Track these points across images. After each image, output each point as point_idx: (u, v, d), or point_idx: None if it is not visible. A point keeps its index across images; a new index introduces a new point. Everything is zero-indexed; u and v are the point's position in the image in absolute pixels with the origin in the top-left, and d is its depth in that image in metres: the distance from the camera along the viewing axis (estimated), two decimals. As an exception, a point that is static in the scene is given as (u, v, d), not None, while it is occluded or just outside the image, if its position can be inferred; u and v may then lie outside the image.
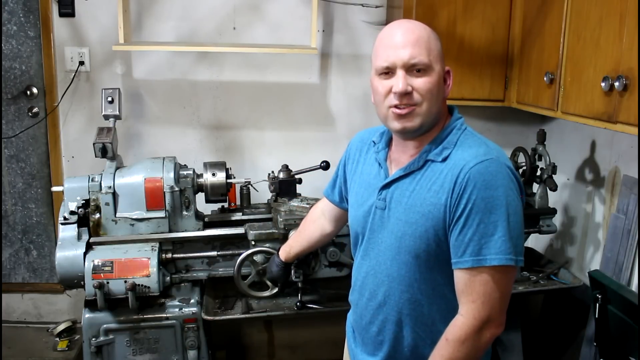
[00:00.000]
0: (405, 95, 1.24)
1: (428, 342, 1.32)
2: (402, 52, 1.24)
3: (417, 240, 1.27)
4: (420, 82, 1.24)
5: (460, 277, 1.24)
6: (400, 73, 1.24)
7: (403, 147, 1.35)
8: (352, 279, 1.49)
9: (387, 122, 1.31)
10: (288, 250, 1.82)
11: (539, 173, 2.34)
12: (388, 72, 1.26)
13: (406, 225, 1.29)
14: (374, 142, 1.43)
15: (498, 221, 1.19)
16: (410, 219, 1.28)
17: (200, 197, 2.22)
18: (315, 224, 1.73)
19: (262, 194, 2.42)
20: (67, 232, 2.07)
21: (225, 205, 2.37)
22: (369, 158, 1.45)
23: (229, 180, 2.19)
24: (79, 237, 2.08)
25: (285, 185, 2.20)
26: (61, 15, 2.57)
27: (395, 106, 1.25)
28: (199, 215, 2.22)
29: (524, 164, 2.34)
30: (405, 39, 1.24)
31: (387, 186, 1.34)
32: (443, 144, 1.29)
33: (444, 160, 1.27)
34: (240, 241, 2.21)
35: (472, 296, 1.22)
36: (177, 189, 2.12)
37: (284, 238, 2.06)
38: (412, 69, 1.24)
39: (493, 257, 1.19)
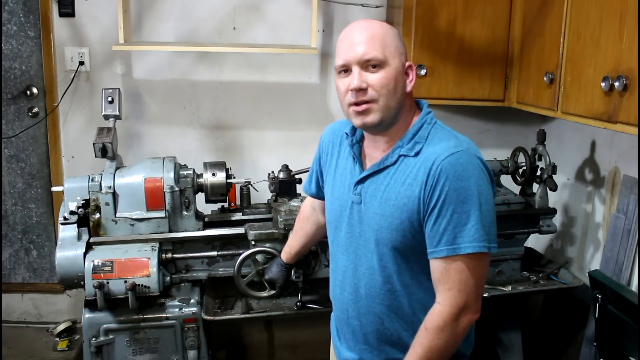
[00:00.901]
0: (361, 91, 1.27)
1: (410, 332, 1.34)
2: (357, 49, 1.28)
3: (394, 232, 1.30)
4: (375, 78, 1.27)
5: (436, 266, 1.27)
6: (355, 70, 1.28)
7: (374, 142, 1.38)
8: (331, 276, 1.51)
9: (350, 119, 1.35)
10: (288, 250, 1.84)
11: (539, 173, 2.33)
12: (346, 69, 1.31)
13: (382, 218, 1.32)
14: (346, 134, 1.45)
15: (470, 210, 1.23)
16: (386, 212, 1.31)
17: (200, 197, 2.22)
18: (309, 221, 1.75)
19: (262, 194, 2.42)
20: (67, 232, 2.07)
21: (225, 205, 2.37)
22: (343, 151, 1.47)
23: (229, 180, 2.19)
24: (79, 237, 2.08)
25: (285, 185, 2.20)
26: (61, 15, 2.57)
27: (355, 103, 1.29)
28: (199, 215, 2.22)
29: (524, 164, 2.34)
30: (360, 37, 1.29)
31: (362, 181, 1.37)
32: (415, 138, 1.32)
33: (417, 154, 1.30)
34: (240, 241, 2.21)
35: (448, 284, 1.25)
36: (177, 189, 2.12)
37: (284, 238, 2.06)
38: (367, 65, 1.28)
39: (467, 245, 1.23)
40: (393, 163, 1.33)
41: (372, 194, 1.35)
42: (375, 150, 1.38)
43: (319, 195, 1.63)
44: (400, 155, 1.32)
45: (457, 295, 1.25)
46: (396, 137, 1.34)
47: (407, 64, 1.34)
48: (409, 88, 1.34)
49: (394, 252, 1.32)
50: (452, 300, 1.25)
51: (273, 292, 2.01)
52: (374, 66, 1.27)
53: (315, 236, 1.78)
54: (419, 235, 1.29)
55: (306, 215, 1.76)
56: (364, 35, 1.29)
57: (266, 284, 2.03)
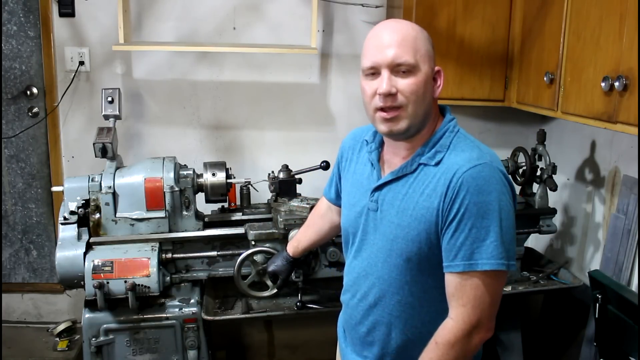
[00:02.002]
0: (389, 96, 1.22)
1: (417, 344, 1.31)
2: (387, 52, 1.22)
3: (409, 243, 1.27)
4: (405, 84, 1.22)
5: (451, 281, 1.24)
6: (385, 74, 1.23)
7: (394, 148, 1.34)
8: (344, 279, 1.49)
9: (375, 124, 1.30)
10: (296, 245, 1.80)
11: (539, 173, 2.34)
12: (374, 72, 1.25)
13: (398, 228, 1.28)
14: (366, 141, 1.43)
15: (490, 226, 1.19)
16: (403, 222, 1.28)
17: (200, 197, 2.22)
18: (324, 218, 1.72)
19: (262, 194, 2.42)
20: (67, 232, 2.07)
21: (225, 205, 2.37)
22: (361, 157, 1.44)
23: (229, 180, 2.19)
24: (79, 237, 2.08)
25: (285, 185, 2.20)
26: (61, 15, 2.57)
27: (381, 109, 1.24)
28: (199, 215, 2.22)
29: (524, 164, 2.34)
30: (390, 39, 1.23)
31: (379, 188, 1.34)
32: (436, 147, 1.28)
33: (437, 164, 1.26)
34: (240, 241, 2.21)
35: (462, 300, 1.22)
36: (177, 189, 2.12)
37: (284, 238, 2.06)
38: (398, 69, 1.23)
39: (485, 261, 1.19)
40: (412, 171, 1.29)
41: (389, 202, 1.31)
42: (394, 157, 1.34)
43: (337, 202, 1.60)
44: (420, 164, 1.28)
45: (471, 312, 1.21)
46: (417, 144, 1.30)
47: (436, 68, 1.29)
48: (436, 94, 1.30)
49: (408, 263, 1.28)
50: (465, 317, 1.21)
51: (273, 292, 2.01)
52: (405, 71, 1.22)
53: (328, 234, 1.75)
54: (435, 247, 1.25)
55: (322, 212, 1.73)
56: (395, 38, 1.23)
57: (268, 282, 2.01)
